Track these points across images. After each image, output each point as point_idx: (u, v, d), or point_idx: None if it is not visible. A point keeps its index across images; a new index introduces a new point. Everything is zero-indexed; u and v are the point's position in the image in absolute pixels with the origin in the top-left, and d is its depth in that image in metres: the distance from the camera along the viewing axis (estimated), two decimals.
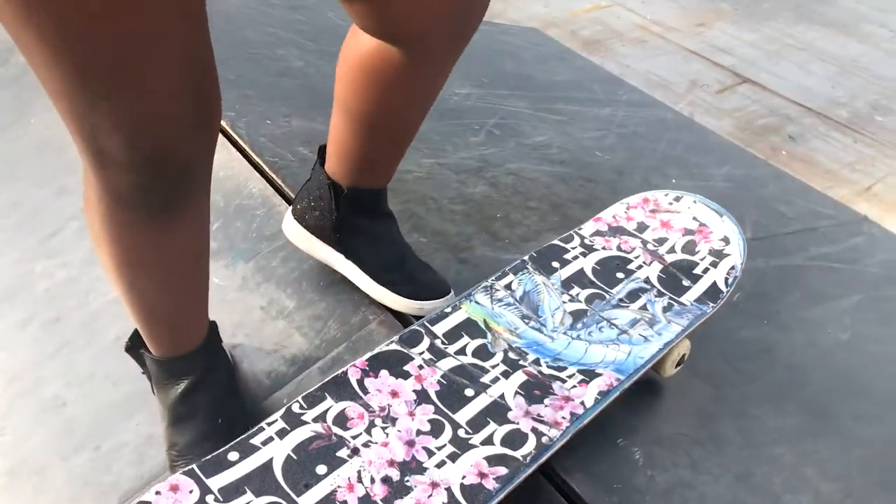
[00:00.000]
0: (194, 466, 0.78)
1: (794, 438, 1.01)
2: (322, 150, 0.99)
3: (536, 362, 0.96)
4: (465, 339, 0.97)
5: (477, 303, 1.02)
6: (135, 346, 0.91)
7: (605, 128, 1.90)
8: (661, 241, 1.15)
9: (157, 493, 0.75)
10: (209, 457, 0.79)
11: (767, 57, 2.56)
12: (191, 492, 0.76)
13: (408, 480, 0.80)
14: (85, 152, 0.66)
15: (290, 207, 1.06)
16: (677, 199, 1.20)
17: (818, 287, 1.43)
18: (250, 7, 2.02)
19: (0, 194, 1.31)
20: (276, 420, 0.84)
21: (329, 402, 0.87)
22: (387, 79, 0.83)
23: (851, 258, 1.60)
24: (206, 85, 0.65)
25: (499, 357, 0.96)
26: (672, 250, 1.14)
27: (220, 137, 1.31)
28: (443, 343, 0.96)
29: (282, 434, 0.82)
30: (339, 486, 0.79)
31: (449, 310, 1.00)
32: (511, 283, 1.06)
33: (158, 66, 0.60)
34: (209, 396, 0.90)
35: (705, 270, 1.11)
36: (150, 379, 0.93)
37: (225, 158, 1.30)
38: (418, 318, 1.02)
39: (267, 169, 1.24)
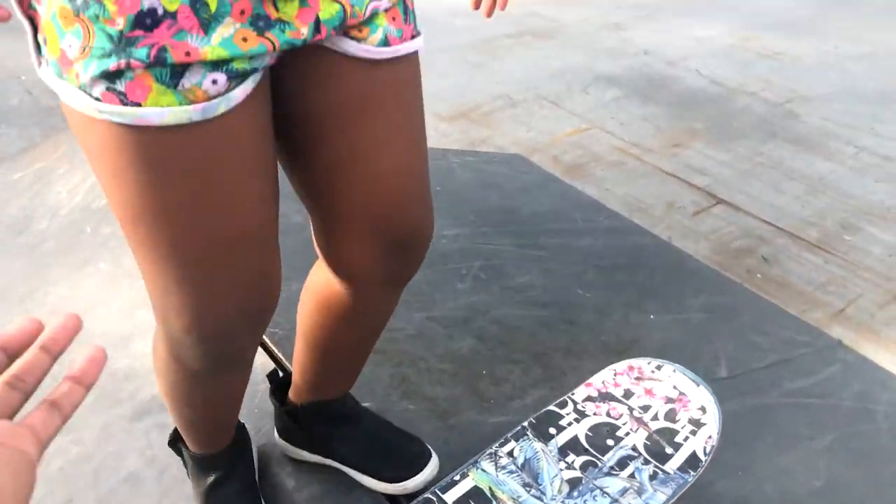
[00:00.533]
0: None
1: None
2: (272, 375, 1.13)
3: None
4: None
5: (483, 470, 1.10)
6: (175, 440, 1.09)
7: (585, 261, 2.01)
8: (645, 409, 1.24)
9: None
10: None
11: (740, 176, 2.70)
12: None
13: None
14: (155, 315, 0.78)
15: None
16: (659, 367, 1.30)
17: (792, 427, 1.50)
18: None
19: None
20: None
21: None
22: (333, 312, 0.94)
23: (826, 391, 1.68)
24: (270, 297, 0.77)
25: None
26: (655, 417, 1.22)
27: None
28: None
29: None
30: None
31: (458, 477, 1.08)
32: (513, 449, 1.14)
33: (231, 279, 0.71)
34: (234, 490, 1.07)
35: (686, 438, 1.19)
36: (187, 467, 1.11)
37: None
38: (413, 494, 1.10)
39: (267, 340, 1.34)
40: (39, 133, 2.64)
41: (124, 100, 0.60)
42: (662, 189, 2.61)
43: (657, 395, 1.26)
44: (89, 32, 0.58)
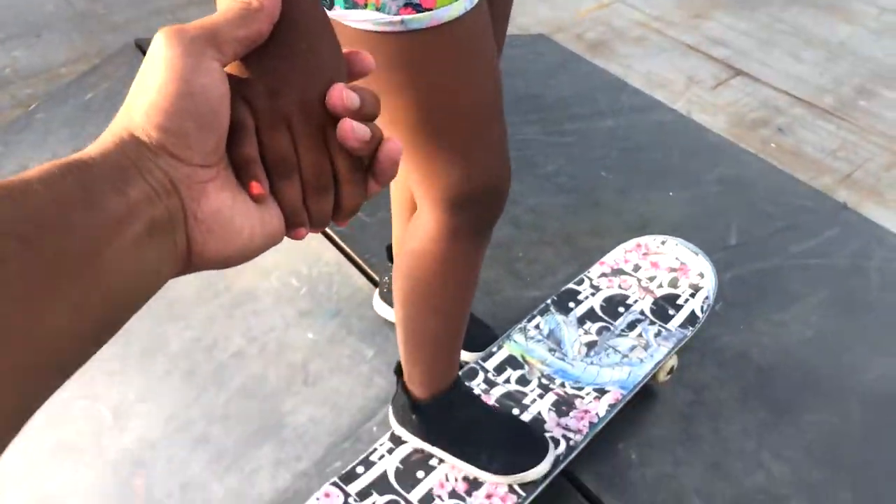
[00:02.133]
0: (336, 479, 1.14)
1: (756, 431, 1.33)
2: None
3: (562, 385, 1.30)
4: (509, 371, 1.30)
5: (515, 342, 1.35)
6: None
7: (609, 144, 2.18)
8: (651, 279, 1.46)
9: (318, 499, 1.12)
10: (344, 472, 1.15)
11: (759, 46, 2.77)
12: (338, 496, 1.12)
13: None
14: (437, 204, 0.94)
15: (377, 290, 1.39)
16: (663, 242, 1.50)
17: (791, 287, 1.72)
18: None
19: None
20: (385, 441, 1.19)
21: None
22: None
23: (825, 251, 1.88)
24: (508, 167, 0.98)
25: (535, 383, 1.30)
26: (660, 285, 1.44)
27: None
28: (493, 375, 1.30)
29: (390, 451, 1.18)
30: (434, 485, 1.15)
31: (495, 349, 1.33)
32: (539, 323, 1.38)
33: (499, 137, 0.93)
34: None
35: (686, 300, 1.42)
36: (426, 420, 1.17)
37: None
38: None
39: (336, 238, 1.57)
40: (80, 38, 2.79)
41: (419, 9, 0.79)
42: (683, 63, 2.70)
43: (661, 267, 1.48)
44: None
